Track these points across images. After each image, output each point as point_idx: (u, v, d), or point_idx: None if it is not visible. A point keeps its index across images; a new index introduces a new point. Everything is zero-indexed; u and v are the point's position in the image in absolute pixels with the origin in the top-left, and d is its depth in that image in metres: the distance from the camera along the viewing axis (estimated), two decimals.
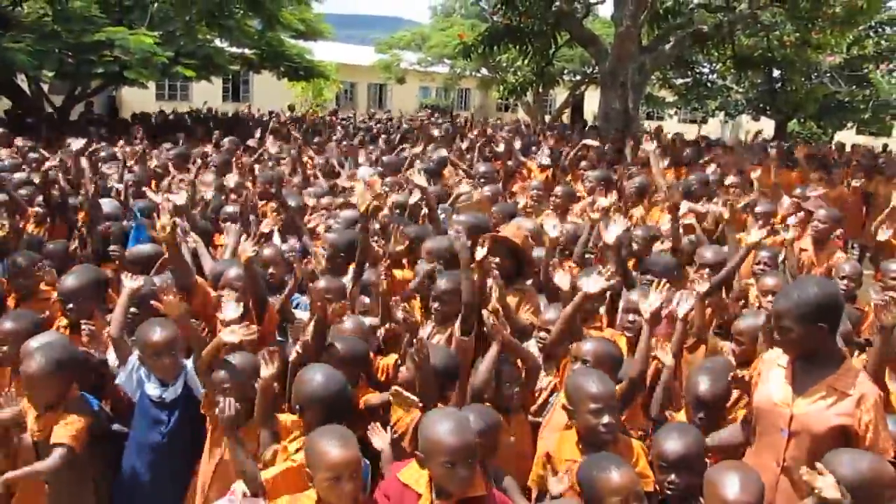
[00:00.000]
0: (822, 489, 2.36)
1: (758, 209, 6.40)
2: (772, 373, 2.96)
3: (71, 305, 4.01)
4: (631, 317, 3.86)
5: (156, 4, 15.39)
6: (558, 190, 6.78)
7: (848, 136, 22.91)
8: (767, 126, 23.86)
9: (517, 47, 16.35)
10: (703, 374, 3.30)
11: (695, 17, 14.39)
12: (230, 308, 3.45)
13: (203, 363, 3.29)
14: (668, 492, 2.78)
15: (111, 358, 3.78)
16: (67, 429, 3.21)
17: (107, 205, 5.84)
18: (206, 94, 25.31)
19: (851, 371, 2.83)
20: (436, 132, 11.99)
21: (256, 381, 3.24)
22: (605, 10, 42.87)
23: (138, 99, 22.76)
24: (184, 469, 3.48)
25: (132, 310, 3.83)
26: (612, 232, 4.35)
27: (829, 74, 20.88)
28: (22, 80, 15.78)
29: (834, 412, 2.74)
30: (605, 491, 2.52)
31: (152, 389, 3.50)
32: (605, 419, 2.89)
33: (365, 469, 2.89)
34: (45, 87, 16.87)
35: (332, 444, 2.56)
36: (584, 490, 2.63)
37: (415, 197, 5.91)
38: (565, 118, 26.59)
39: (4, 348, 3.65)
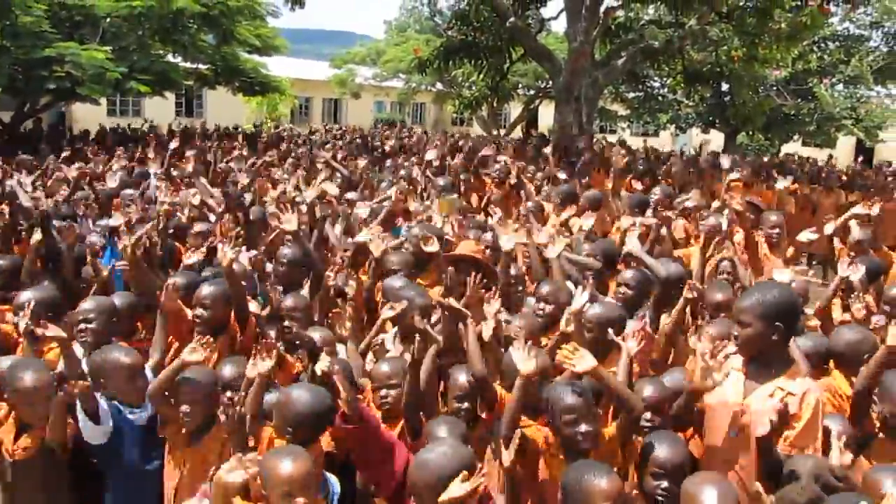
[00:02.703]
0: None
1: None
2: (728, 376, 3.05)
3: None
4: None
5: (108, 19, 15.19)
6: (529, 205, 6.82)
7: (794, 148, 23.53)
8: (717, 138, 24.36)
9: (472, 62, 16.46)
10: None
11: (646, 33, 14.61)
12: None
13: (161, 386, 3.30)
14: (660, 498, 2.82)
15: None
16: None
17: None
18: (159, 110, 24.99)
19: (800, 373, 2.98)
20: None
21: (214, 394, 3.31)
22: (559, 26, 43.39)
23: (89, 115, 22.38)
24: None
25: (83, 326, 3.83)
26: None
27: (775, 88, 21.41)
28: None
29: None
30: (593, 497, 2.54)
31: (137, 415, 3.46)
32: (583, 428, 2.96)
33: (332, 485, 2.93)
34: None
35: (283, 460, 2.59)
36: (570, 496, 2.64)
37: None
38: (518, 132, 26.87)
39: None
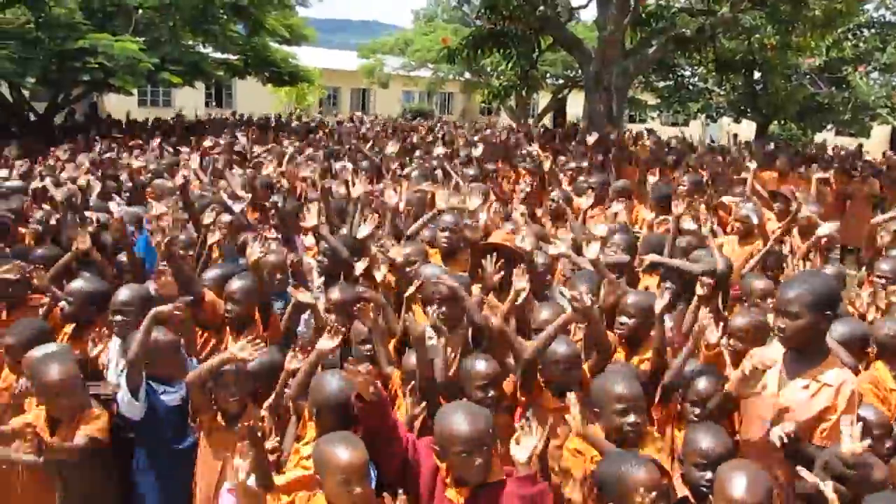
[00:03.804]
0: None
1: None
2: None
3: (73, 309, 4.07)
4: (622, 318, 3.87)
5: (140, 10, 15.34)
6: (555, 194, 6.68)
7: (827, 138, 23.14)
8: (749, 128, 24.04)
9: (501, 51, 16.41)
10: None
11: (677, 21, 14.47)
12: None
13: (203, 377, 3.34)
14: (704, 489, 2.77)
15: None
16: (94, 424, 3.24)
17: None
18: (189, 100, 25.21)
19: (836, 364, 2.94)
20: None
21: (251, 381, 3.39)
22: (589, 14, 43.13)
23: (120, 105, 22.63)
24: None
25: (119, 318, 3.85)
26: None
27: (808, 77, 21.07)
28: (3, 88, 15.70)
29: (815, 402, 2.85)
30: (633, 486, 2.53)
31: (171, 395, 3.51)
32: (631, 418, 2.97)
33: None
34: (27, 94, 16.77)
35: (340, 448, 2.61)
36: (608, 486, 2.63)
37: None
38: (547, 121, 26.73)
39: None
